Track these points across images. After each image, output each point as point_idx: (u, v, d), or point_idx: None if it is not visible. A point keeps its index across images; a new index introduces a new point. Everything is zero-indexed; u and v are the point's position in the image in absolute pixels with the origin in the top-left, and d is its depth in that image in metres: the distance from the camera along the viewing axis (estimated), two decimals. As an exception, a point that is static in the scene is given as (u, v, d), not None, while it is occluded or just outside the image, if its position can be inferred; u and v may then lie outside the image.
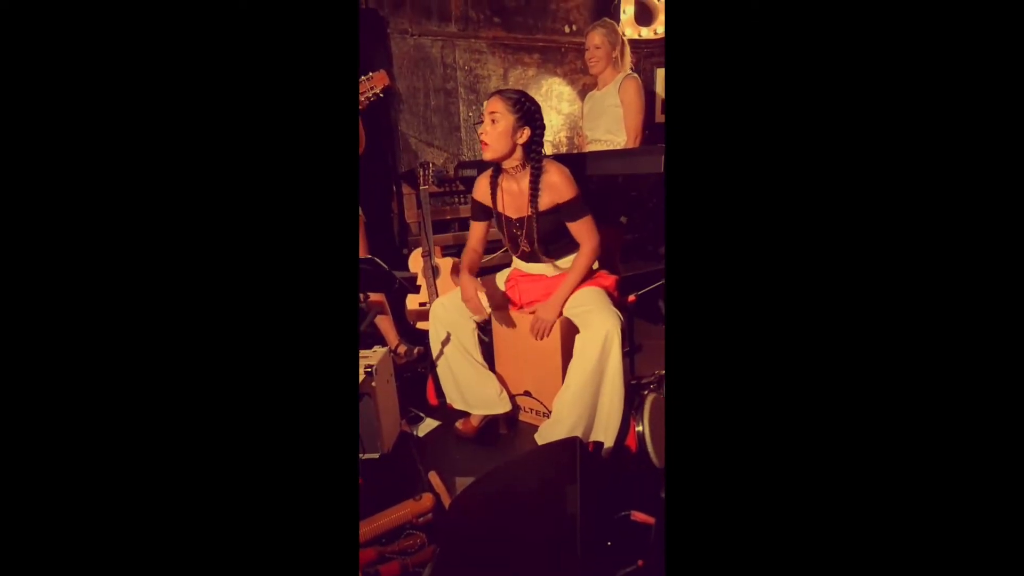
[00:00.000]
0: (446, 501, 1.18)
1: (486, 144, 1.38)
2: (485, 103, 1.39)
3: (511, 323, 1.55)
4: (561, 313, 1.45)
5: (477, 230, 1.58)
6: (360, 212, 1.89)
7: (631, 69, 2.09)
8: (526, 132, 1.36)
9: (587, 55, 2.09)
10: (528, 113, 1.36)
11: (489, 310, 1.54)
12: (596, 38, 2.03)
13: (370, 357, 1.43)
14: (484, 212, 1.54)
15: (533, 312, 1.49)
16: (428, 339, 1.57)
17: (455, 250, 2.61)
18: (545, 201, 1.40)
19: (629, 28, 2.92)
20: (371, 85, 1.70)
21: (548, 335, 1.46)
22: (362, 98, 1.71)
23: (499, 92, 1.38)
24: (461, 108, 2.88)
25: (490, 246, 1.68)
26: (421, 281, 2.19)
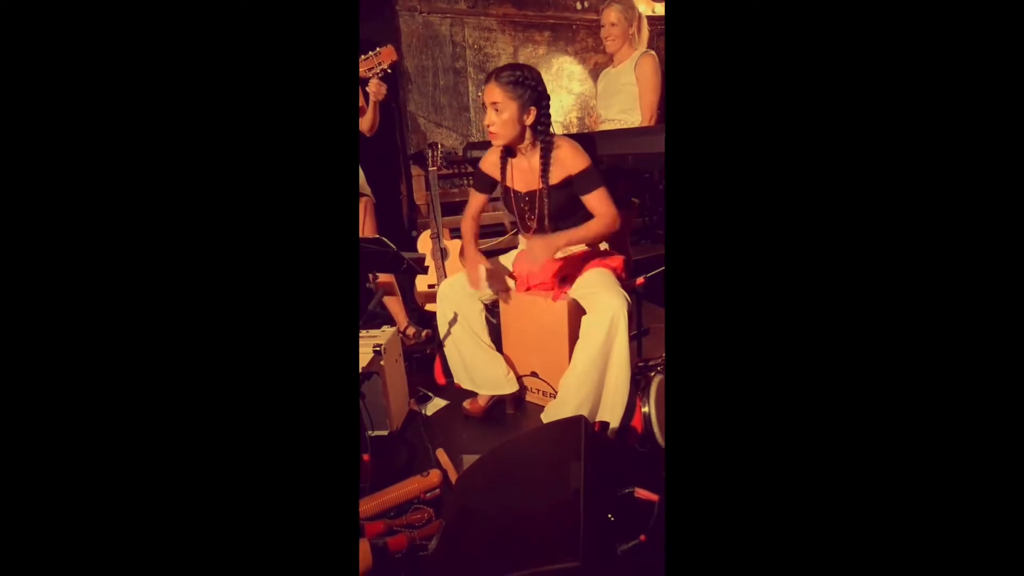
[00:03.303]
0: (453, 477, 1.20)
1: (494, 134, 1.35)
2: (483, 89, 1.35)
3: (518, 304, 1.55)
4: (562, 284, 1.45)
5: (476, 200, 1.55)
6: (370, 193, 1.89)
7: (647, 46, 2.04)
8: (532, 113, 1.33)
9: (603, 32, 2.03)
10: (531, 92, 1.31)
11: (486, 287, 1.52)
12: (612, 15, 1.98)
13: (379, 337, 1.45)
14: (488, 184, 1.52)
15: (540, 292, 1.49)
16: (436, 320, 1.58)
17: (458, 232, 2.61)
18: (556, 174, 1.38)
19: (643, 4, 2.84)
20: (378, 60, 1.68)
21: (536, 270, 1.43)
22: (370, 74, 1.70)
23: (495, 76, 1.31)
24: (470, 88, 2.84)
25: (497, 229, 1.68)
26: (430, 262, 2.20)
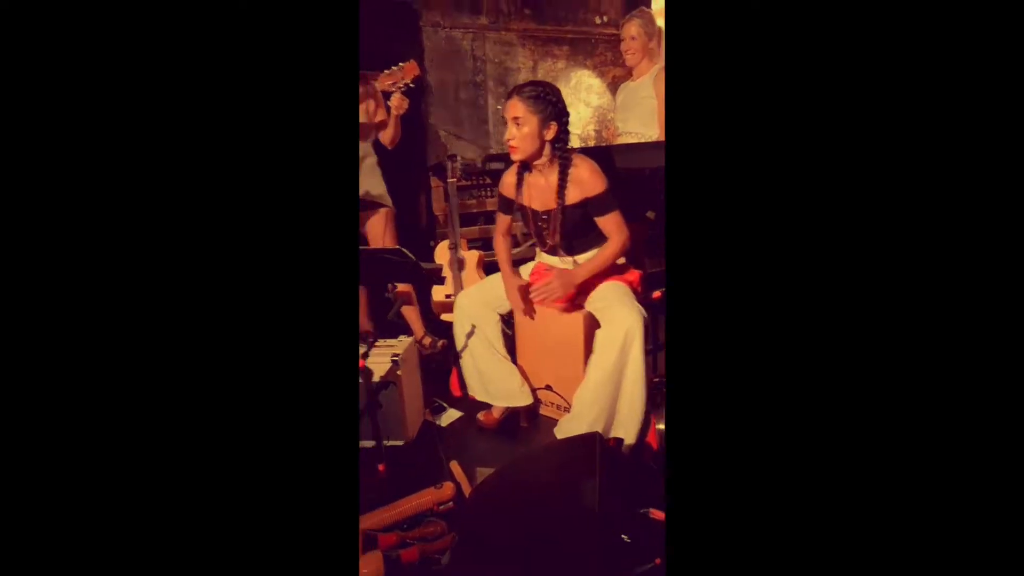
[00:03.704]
0: (466, 490, 1.20)
1: (515, 148, 1.36)
2: (505, 104, 1.37)
3: (534, 316, 1.56)
4: (576, 298, 1.44)
5: (502, 221, 1.59)
6: (390, 204, 1.93)
7: (665, 60, 2.04)
8: (553, 128, 1.35)
9: (623, 46, 2.05)
10: (553, 108, 1.33)
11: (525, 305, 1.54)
12: (632, 29, 1.99)
13: (396, 346, 1.46)
14: (509, 205, 1.54)
15: (556, 304, 1.49)
16: (452, 331, 1.59)
17: (481, 243, 2.63)
18: (573, 195, 1.39)
19: (662, 19, 2.85)
20: (401, 75, 1.72)
21: (553, 303, 1.43)
22: (393, 88, 1.73)
23: (517, 92, 1.34)
24: (490, 101, 2.88)
25: (514, 239, 1.70)
26: (447, 273, 2.22)
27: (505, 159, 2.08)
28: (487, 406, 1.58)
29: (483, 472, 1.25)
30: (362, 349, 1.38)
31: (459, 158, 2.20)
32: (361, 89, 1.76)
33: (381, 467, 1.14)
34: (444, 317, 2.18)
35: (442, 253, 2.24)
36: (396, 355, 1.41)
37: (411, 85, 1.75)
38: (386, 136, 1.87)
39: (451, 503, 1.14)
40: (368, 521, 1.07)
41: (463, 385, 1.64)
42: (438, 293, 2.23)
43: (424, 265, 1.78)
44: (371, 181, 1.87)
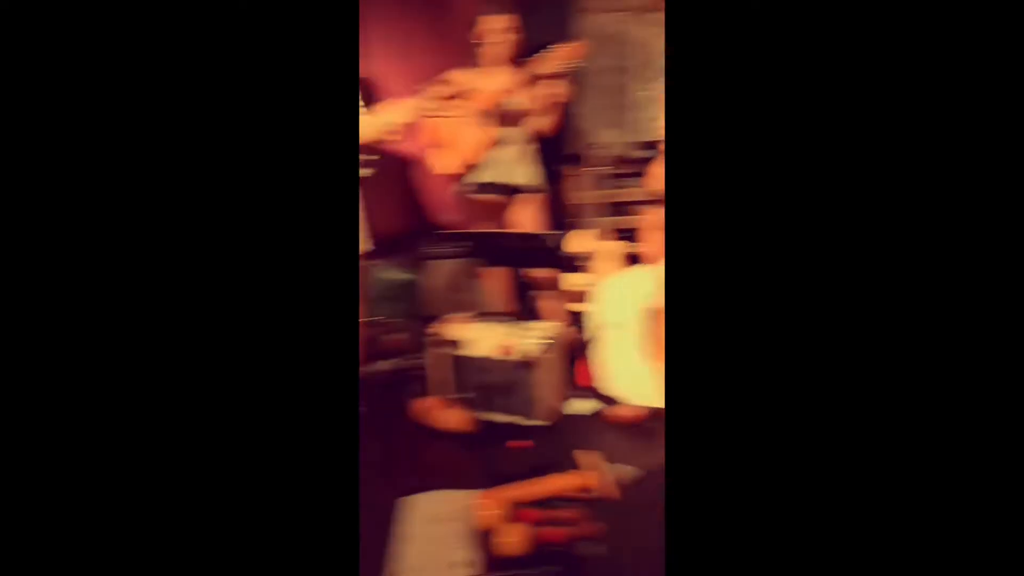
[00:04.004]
0: (602, 483, 1.19)
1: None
2: (657, 90, 1.29)
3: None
4: None
5: (651, 216, 1.53)
6: (544, 190, 1.96)
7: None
8: None
9: None
10: None
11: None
12: None
13: (547, 329, 1.49)
14: (660, 198, 1.47)
15: None
16: (586, 321, 1.58)
17: (622, 233, 2.57)
18: None
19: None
20: (564, 58, 1.69)
21: None
22: (554, 72, 1.72)
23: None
24: (636, 87, 2.77)
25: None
26: (583, 262, 2.21)
27: (651, 146, 1.99)
28: (618, 401, 1.55)
29: (615, 469, 1.23)
30: (505, 329, 1.43)
31: (602, 146, 2.16)
32: (519, 76, 1.79)
33: (530, 443, 1.17)
34: (575, 307, 2.18)
35: (579, 242, 2.23)
36: (548, 338, 1.44)
37: (579, 65, 1.72)
38: (544, 123, 1.88)
39: (589, 492, 1.14)
40: (512, 491, 1.11)
41: (595, 377, 1.63)
42: (573, 282, 2.24)
43: (562, 253, 1.79)
44: (521, 167, 1.91)
